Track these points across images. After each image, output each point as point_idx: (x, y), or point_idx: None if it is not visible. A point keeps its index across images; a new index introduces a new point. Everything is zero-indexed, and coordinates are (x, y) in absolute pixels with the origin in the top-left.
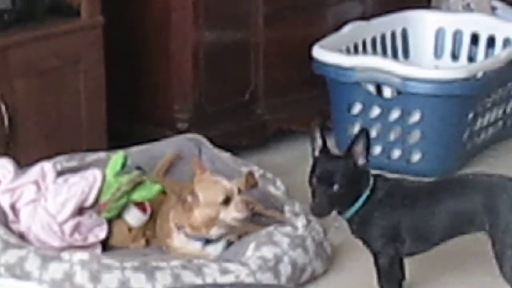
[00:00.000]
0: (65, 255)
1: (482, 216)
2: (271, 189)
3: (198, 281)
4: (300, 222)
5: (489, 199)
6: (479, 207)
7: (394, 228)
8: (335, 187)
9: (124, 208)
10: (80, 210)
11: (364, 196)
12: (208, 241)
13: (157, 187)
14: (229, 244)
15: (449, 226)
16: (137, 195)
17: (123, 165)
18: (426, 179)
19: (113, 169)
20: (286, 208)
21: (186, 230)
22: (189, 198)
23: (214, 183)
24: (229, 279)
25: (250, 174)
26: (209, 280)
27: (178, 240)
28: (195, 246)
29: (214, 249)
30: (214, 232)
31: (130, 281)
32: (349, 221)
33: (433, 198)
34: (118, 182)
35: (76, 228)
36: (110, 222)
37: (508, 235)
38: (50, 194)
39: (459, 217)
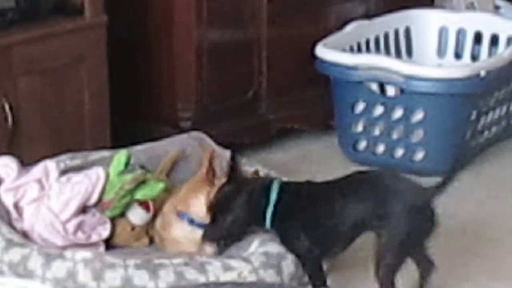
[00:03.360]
0: (68, 253)
1: (373, 219)
2: None
3: (201, 278)
4: None
5: (380, 202)
6: (370, 210)
7: (306, 230)
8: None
9: (127, 206)
10: (84, 209)
11: (270, 208)
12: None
13: (160, 186)
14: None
15: (351, 226)
16: (140, 194)
17: (127, 163)
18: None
19: (116, 168)
20: None
21: (192, 215)
22: (214, 178)
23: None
24: (232, 276)
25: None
26: (212, 277)
27: (180, 229)
28: (197, 235)
29: None
30: None
31: (133, 279)
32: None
33: (332, 198)
34: (122, 180)
35: (80, 226)
36: (113, 220)
37: (392, 241)
38: (54, 193)
39: (354, 218)
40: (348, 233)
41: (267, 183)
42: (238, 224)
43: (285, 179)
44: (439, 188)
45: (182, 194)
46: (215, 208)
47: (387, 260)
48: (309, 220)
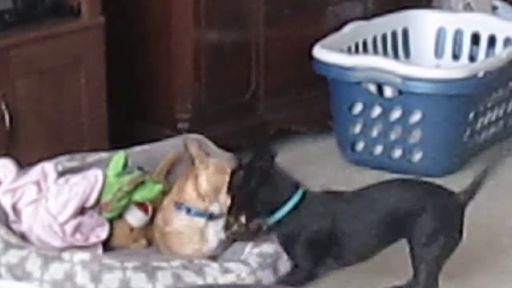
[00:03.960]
0: (66, 255)
1: (408, 224)
2: None
3: (199, 281)
4: None
5: (416, 207)
6: (406, 215)
7: (323, 238)
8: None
9: (125, 208)
10: (82, 210)
11: (290, 203)
12: (210, 217)
13: (158, 187)
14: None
15: (380, 234)
16: (138, 195)
17: (125, 165)
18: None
19: (114, 169)
20: None
21: (188, 204)
22: (198, 163)
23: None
24: (230, 278)
25: None
26: (210, 279)
27: (179, 220)
28: (199, 222)
29: (216, 226)
30: (216, 207)
31: (131, 281)
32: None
33: (364, 205)
34: (120, 182)
35: (78, 228)
36: (111, 222)
37: (427, 249)
38: (52, 194)
39: (388, 225)
40: (369, 245)
41: (295, 183)
42: (257, 201)
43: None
44: (470, 193)
45: (175, 187)
46: (234, 190)
47: (427, 270)
48: (336, 225)
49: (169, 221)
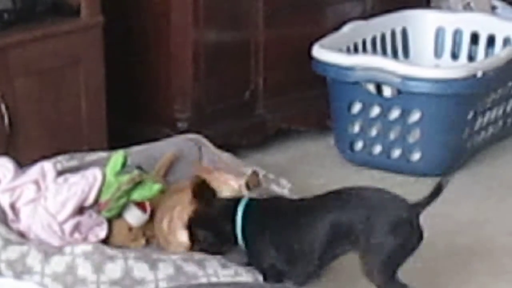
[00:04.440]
0: (67, 248)
1: (358, 234)
2: (275, 188)
3: (200, 272)
4: None
5: (366, 217)
6: (357, 225)
7: (274, 247)
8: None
9: (124, 207)
10: (80, 210)
11: (238, 227)
12: None
13: (157, 187)
14: None
15: (325, 243)
16: (137, 195)
17: (123, 164)
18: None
19: (113, 169)
20: None
21: None
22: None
23: (223, 184)
24: (229, 272)
25: (254, 173)
26: (210, 271)
27: (186, 236)
28: None
29: None
30: None
31: (133, 270)
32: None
33: (309, 214)
34: (119, 181)
35: (76, 227)
36: (110, 221)
37: (378, 257)
38: (50, 194)
39: (335, 235)
40: (320, 252)
41: (234, 202)
42: (212, 245)
43: (253, 196)
44: (425, 202)
45: (187, 202)
46: (191, 228)
47: (377, 281)
48: (275, 238)
49: (175, 234)
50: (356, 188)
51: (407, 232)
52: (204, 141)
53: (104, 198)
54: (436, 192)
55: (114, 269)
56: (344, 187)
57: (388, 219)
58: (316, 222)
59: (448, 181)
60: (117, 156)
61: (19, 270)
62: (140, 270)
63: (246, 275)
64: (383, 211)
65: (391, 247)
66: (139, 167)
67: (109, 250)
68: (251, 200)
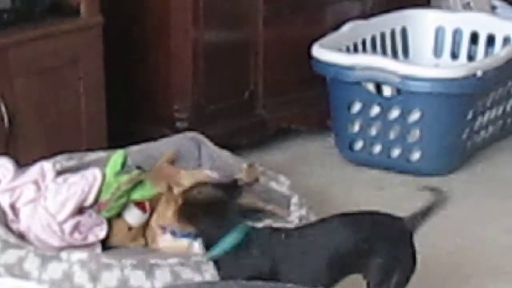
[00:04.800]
0: (64, 255)
1: (358, 263)
2: (274, 185)
3: (197, 277)
4: (296, 214)
5: (364, 246)
6: (352, 255)
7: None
8: None
9: (124, 207)
10: (80, 210)
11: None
12: (196, 236)
13: (155, 190)
14: None
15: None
16: (137, 195)
17: (123, 164)
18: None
19: (113, 169)
20: (292, 202)
21: (173, 228)
22: (175, 189)
23: (198, 172)
24: None
25: (251, 166)
26: (207, 276)
27: (163, 240)
28: (182, 243)
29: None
30: None
31: (130, 279)
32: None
33: (308, 239)
34: (118, 181)
35: (76, 227)
36: (110, 221)
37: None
38: (50, 194)
39: (335, 259)
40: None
41: (241, 222)
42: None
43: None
44: (417, 220)
45: (159, 208)
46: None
47: None
48: (282, 258)
49: (155, 241)
50: (350, 213)
51: (409, 253)
52: (203, 139)
53: (103, 198)
54: (431, 207)
55: (110, 278)
56: (335, 214)
57: (388, 240)
58: (312, 258)
59: (442, 195)
60: (117, 156)
61: (17, 274)
62: (137, 279)
63: None
64: (382, 233)
65: (398, 274)
66: (139, 167)
67: (105, 259)
68: (252, 228)
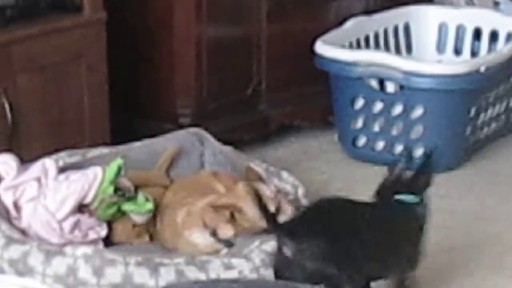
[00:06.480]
0: (68, 249)
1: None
2: (276, 181)
3: (202, 276)
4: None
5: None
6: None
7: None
8: None
9: (115, 216)
10: (81, 208)
11: None
12: (228, 245)
13: (148, 207)
14: None
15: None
16: (127, 206)
17: (118, 173)
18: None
19: (108, 176)
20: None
21: (219, 233)
22: (238, 216)
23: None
24: (232, 274)
25: (248, 170)
26: (212, 275)
27: (202, 238)
28: (218, 246)
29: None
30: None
31: (134, 276)
32: None
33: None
34: (106, 193)
35: (76, 225)
36: (114, 218)
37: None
38: (50, 191)
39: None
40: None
41: None
42: None
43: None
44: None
45: (208, 206)
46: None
47: None
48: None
49: (190, 231)
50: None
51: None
52: (206, 135)
53: (93, 206)
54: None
55: (114, 274)
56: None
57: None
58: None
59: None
60: (114, 164)
61: (21, 270)
62: (141, 276)
63: (250, 276)
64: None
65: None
66: (127, 190)
67: (109, 254)
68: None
